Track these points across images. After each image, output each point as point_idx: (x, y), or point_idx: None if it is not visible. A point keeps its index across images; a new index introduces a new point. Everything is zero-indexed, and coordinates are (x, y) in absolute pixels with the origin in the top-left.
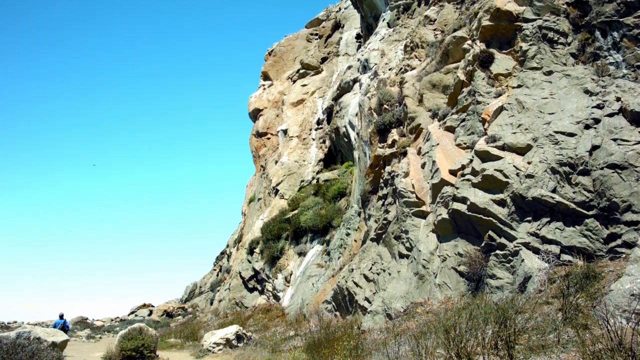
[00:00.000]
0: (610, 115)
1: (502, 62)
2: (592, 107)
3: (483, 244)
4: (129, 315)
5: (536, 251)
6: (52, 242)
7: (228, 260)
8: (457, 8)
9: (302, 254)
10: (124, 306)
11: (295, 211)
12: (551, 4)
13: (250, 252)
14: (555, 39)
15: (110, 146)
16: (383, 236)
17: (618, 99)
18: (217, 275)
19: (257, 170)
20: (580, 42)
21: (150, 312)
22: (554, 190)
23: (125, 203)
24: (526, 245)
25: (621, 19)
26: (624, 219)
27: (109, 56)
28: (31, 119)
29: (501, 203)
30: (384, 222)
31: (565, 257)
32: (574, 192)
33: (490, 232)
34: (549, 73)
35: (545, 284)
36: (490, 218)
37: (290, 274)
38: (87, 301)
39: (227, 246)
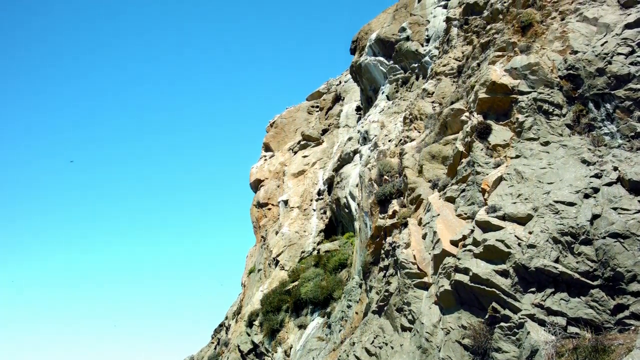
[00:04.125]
0: (609, 184)
1: (500, 133)
2: (591, 177)
3: (487, 316)
4: None
5: (542, 323)
6: (44, 312)
7: (226, 333)
8: (454, 81)
9: (302, 326)
10: None
11: (296, 282)
12: (544, 78)
13: (250, 324)
14: (551, 110)
15: (105, 218)
16: (385, 308)
17: (615, 169)
18: (215, 348)
19: (257, 241)
20: (574, 113)
21: None
22: (556, 260)
23: (120, 273)
24: (531, 317)
25: (612, 92)
26: (630, 289)
27: (111, 118)
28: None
29: (504, 274)
30: (386, 293)
31: (572, 329)
32: (577, 262)
33: (494, 304)
34: (546, 143)
35: (553, 357)
36: (494, 289)
37: (290, 348)
38: None
39: (226, 318)
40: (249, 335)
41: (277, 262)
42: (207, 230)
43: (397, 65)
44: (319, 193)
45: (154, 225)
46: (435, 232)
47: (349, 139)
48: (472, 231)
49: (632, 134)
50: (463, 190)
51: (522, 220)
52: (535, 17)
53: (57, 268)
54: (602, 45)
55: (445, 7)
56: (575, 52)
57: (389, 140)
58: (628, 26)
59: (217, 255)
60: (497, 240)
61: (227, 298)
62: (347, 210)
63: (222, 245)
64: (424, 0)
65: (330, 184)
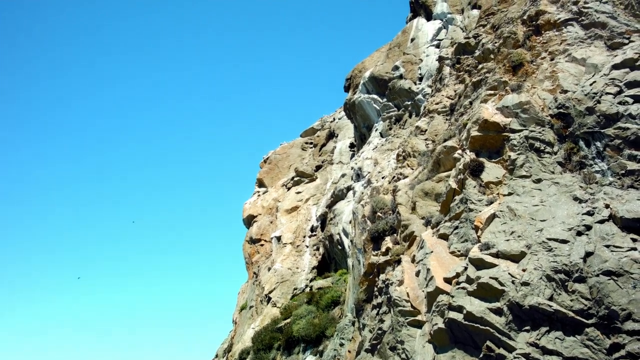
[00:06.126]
0: (601, 222)
1: (492, 170)
2: (583, 214)
3: (482, 355)
4: None
5: None
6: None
7: None
8: (446, 119)
9: None
10: None
11: (288, 320)
12: (535, 116)
13: None
14: (542, 148)
15: (95, 260)
16: (378, 347)
17: (607, 206)
18: None
19: (249, 277)
20: (566, 151)
21: None
22: (550, 298)
23: (109, 314)
24: (526, 356)
25: (602, 130)
26: (625, 328)
27: (108, 159)
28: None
29: (498, 312)
30: (379, 332)
31: None
32: (571, 300)
33: (488, 343)
34: (538, 181)
35: None
36: (488, 327)
37: None
38: None
39: (216, 356)
40: None
41: (269, 298)
42: (199, 266)
43: (390, 103)
44: (312, 229)
45: (144, 261)
46: (428, 270)
47: (343, 175)
48: (466, 268)
49: (623, 171)
50: (456, 227)
51: (516, 258)
52: (525, 57)
53: (43, 313)
54: (591, 84)
55: (437, 46)
56: (565, 91)
57: (382, 177)
58: (615, 67)
59: (209, 291)
60: (490, 277)
61: (218, 335)
62: (340, 247)
63: (213, 282)
64: (417, 40)
65: (323, 220)
